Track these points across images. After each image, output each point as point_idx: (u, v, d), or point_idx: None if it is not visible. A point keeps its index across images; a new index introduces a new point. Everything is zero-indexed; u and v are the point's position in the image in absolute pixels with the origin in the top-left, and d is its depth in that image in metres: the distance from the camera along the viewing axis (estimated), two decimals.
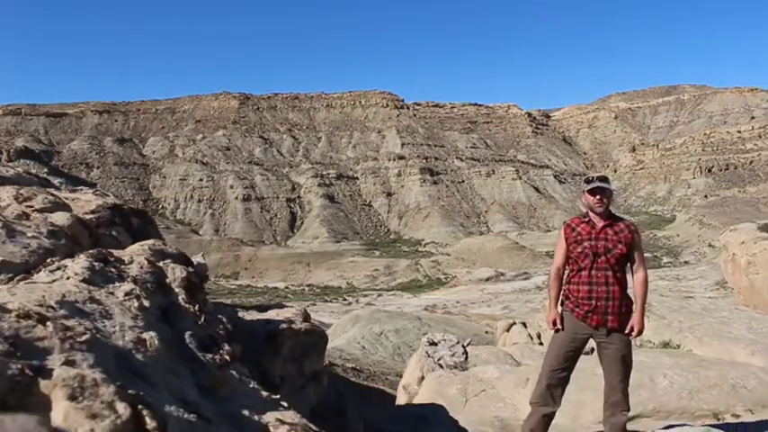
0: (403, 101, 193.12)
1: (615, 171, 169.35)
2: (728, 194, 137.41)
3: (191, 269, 1.78)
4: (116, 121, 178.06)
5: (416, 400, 7.57)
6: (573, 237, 4.25)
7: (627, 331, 4.19)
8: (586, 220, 4.28)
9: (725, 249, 17.02)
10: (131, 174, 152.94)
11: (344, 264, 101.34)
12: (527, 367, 8.25)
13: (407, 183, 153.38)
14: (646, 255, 4.72)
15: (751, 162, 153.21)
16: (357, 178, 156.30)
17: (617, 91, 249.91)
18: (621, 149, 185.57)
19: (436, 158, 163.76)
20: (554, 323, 4.31)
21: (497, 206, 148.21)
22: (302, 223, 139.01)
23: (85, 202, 2.53)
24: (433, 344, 10.72)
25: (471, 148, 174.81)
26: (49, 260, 1.61)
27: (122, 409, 0.94)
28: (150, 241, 1.97)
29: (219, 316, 1.69)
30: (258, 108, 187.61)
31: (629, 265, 4.30)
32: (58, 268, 1.49)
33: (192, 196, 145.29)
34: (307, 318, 2.59)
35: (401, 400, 9.46)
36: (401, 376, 11.69)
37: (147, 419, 0.94)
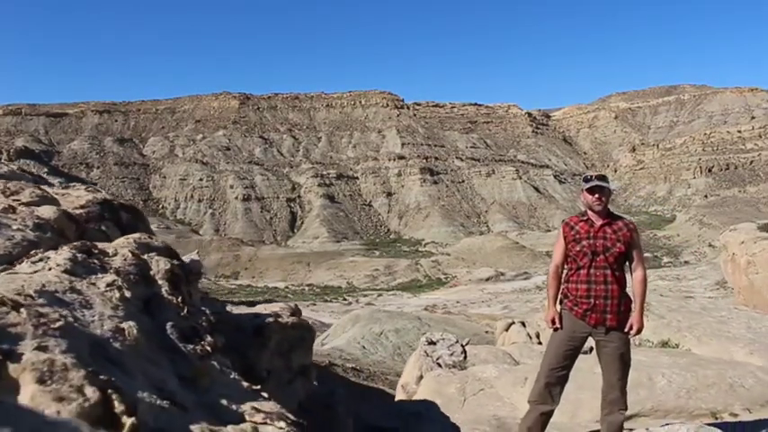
0: (403, 101, 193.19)
1: (615, 171, 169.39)
2: (729, 194, 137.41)
3: (175, 262, 1.77)
4: (116, 121, 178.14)
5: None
6: (572, 235, 4.24)
7: (626, 330, 4.19)
8: (585, 218, 4.27)
9: (725, 249, 17.03)
10: (131, 174, 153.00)
11: (344, 264, 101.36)
12: (525, 366, 8.24)
13: (407, 183, 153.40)
14: (646, 254, 4.71)
15: (751, 162, 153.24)
16: (357, 178, 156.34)
17: (617, 91, 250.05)
18: (621, 149, 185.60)
19: (436, 158, 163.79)
20: (553, 322, 4.30)
21: (497, 206, 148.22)
22: (302, 223, 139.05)
23: (75, 198, 2.53)
24: (431, 343, 10.71)
25: (471, 147, 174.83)
26: (32, 252, 1.60)
27: (91, 392, 0.94)
28: (136, 234, 1.96)
29: (203, 308, 1.69)
30: (258, 108, 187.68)
31: (627, 263, 4.30)
32: (41, 259, 1.49)
33: (192, 196, 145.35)
34: (295, 313, 2.59)
35: (400, 399, 9.46)
36: (401, 376, 11.68)
37: (116, 403, 0.95)
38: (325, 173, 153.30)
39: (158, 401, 1.04)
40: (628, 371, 4.30)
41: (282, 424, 1.05)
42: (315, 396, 2.60)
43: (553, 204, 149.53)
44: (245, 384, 1.35)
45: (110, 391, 0.96)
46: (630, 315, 4.22)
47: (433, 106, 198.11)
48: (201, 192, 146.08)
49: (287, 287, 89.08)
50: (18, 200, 2.06)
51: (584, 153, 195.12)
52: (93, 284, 1.40)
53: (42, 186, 2.57)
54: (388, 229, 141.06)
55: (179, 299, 1.60)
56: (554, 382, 4.24)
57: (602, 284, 4.13)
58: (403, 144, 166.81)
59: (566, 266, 4.34)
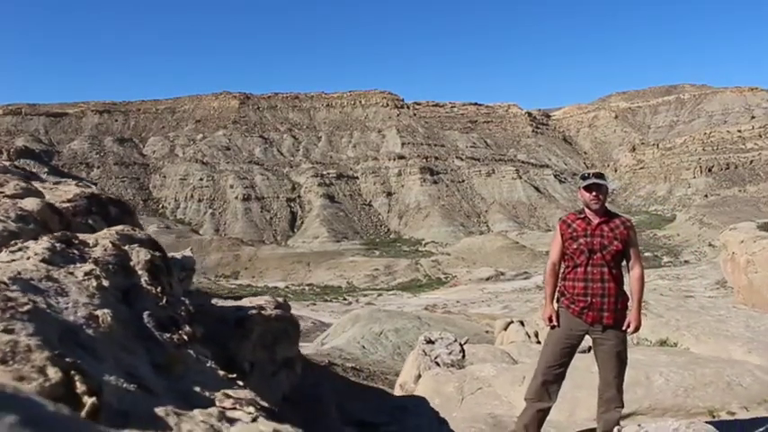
0: (403, 100, 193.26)
1: (615, 171, 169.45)
2: (729, 194, 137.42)
3: (157, 253, 1.77)
4: (116, 120, 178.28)
5: None
6: (568, 233, 4.24)
7: (624, 328, 4.19)
8: (582, 216, 4.27)
9: (724, 248, 17.04)
10: (132, 173, 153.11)
11: (344, 263, 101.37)
12: (523, 365, 8.24)
13: (407, 182, 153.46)
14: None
15: (751, 161, 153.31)
16: (357, 178, 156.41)
17: (617, 90, 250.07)
18: (621, 149, 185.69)
19: (436, 158, 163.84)
20: (550, 319, 4.30)
21: (497, 206, 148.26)
22: (302, 223, 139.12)
23: (63, 192, 2.53)
24: (429, 342, 10.70)
25: (471, 147, 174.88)
26: (12, 242, 1.60)
27: (53, 373, 0.96)
28: (120, 226, 1.96)
29: (183, 299, 1.69)
30: (258, 108, 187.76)
31: (625, 261, 4.29)
32: (20, 249, 1.50)
33: (192, 196, 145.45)
34: (280, 305, 2.59)
35: None
36: (399, 375, 11.67)
37: (78, 384, 0.96)
38: (325, 173, 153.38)
39: (125, 385, 1.04)
40: (624, 369, 4.30)
41: (252, 409, 1.05)
42: (301, 389, 2.61)
43: (553, 204, 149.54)
44: (221, 373, 1.36)
45: (73, 372, 0.97)
46: (628, 313, 4.22)
47: (433, 106, 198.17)
48: (201, 192, 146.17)
49: (287, 287, 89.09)
50: (2, 192, 2.06)
51: (585, 153, 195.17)
52: (71, 273, 1.41)
53: (31, 181, 2.57)
54: (388, 229, 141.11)
55: (158, 289, 1.61)
56: (551, 380, 4.25)
57: (598, 282, 4.13)
58: (403, 144, 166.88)
59: (563, 264, 4.33)
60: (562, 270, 4.35)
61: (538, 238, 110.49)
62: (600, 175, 4.34)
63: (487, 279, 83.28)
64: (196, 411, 0.96)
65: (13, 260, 1.38)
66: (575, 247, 4.18)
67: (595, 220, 4.21)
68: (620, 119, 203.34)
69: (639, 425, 4.12)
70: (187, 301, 1.69)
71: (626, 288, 4.30)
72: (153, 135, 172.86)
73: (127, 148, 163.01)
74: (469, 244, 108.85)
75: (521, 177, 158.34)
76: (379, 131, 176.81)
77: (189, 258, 2.41)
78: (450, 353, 10.31)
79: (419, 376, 9.25)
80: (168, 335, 1.37)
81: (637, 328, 4.26)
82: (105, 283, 1.42)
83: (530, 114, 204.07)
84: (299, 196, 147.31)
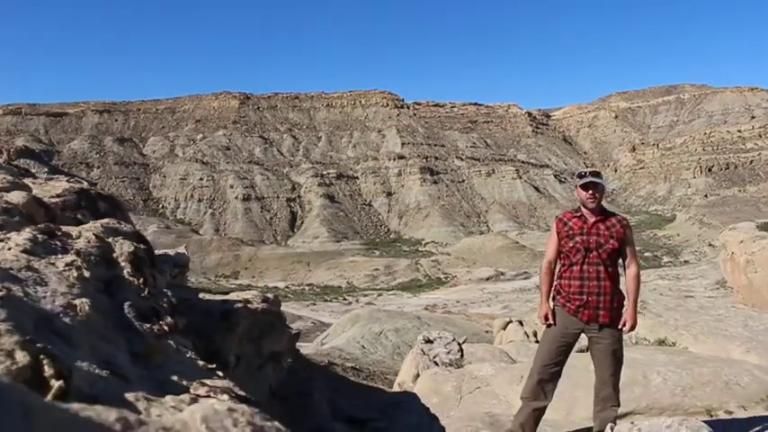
0: (403, 100, 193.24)
1: (615, 171, 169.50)
2: (729, 194, 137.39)
3: (141, 245, 1.77)
4: (116, 120, 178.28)
5: None
6: (565, 231, 4.23)
7: (620, 326, 4.18)
8: (578, 214, 4.26)
9: (724, 248, 17.04)
10: (131, 173, 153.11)
11: (344, 263, 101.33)
12: (522, 364, 8.23)
13: (407, 182, 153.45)
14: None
15: (751, 161, 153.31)
16: (357, 178, 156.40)
17: (617, 90, 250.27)
18: (621, 149, 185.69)
19: (436, 158, 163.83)
20: (546, 318, 4.29)
21: (497, 206, 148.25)
22: (302, 223, 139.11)
23: (53, 187, 2.53)
24: (428, 341, 10.70)
25: (471, 147, 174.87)
26: None
27: (21, 357, 0.97)
28: (105, 219, 1.96)
29: (166, 290, 1.70)
30: (258, 108, 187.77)
31: (621, 260, 4.28)
32: (1, 240, 1.49)
33: (192, 196, 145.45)
34: (267, 300, 2.59)
35: None
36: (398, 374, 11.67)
37: (46, 368, 0.97)
38: (325, 173, 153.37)
39: (98, 371, 1.04)
40: (620, 367, 4.29)
41: (226, 397, 1.05)
42: (292, 384, 2.61)
43: (553, 204, 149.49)
44: (201, 363, 1.36)
45: (42, 356, 0.98)
46: (624, 311, 4.21)
47: (433, 106, 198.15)
48: (201, 191, 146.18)
49: (287, 287, 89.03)
50: None
51: (585, 153, 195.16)
52: (52, 264, 1.41)
53: (24, 178, 2.56)
54: (388, 229, 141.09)
55: (140, 280, 1.61)
56: (547, 379, 4.24)
57: (594, 281, 4.12)
58: (403, 144, 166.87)
59: (559, 262, 4.32)
60: (558, 268, 4.34)
61: (538, 238, 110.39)
62: (596, 174, 4.34)
63: (487, 279, 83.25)
64: (168, 397, 0.97)
65: None
66: (571, 245, 4.17)
67: (592, 219, 4.20)
68: (620, 119, 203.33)
69: (632, 422, 4.11)
70: (170, 293, 1.69)
71: (622, 287, 4.29)
72: (153, 135, 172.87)
73: (127, 148, 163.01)
74: (469, 244, 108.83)
75: (521, 177, 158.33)
76: (379, 131, 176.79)
77: (182, 255, 2.41)
78: (448, 352, 10.31)
79: (418, 375, 9.25)
80: (149, 325, 1.37)
81: (632, 327, 4.25)
82: (86, 273, 1.42)
83: (530, 114, 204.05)
84: (299, 196, 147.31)
